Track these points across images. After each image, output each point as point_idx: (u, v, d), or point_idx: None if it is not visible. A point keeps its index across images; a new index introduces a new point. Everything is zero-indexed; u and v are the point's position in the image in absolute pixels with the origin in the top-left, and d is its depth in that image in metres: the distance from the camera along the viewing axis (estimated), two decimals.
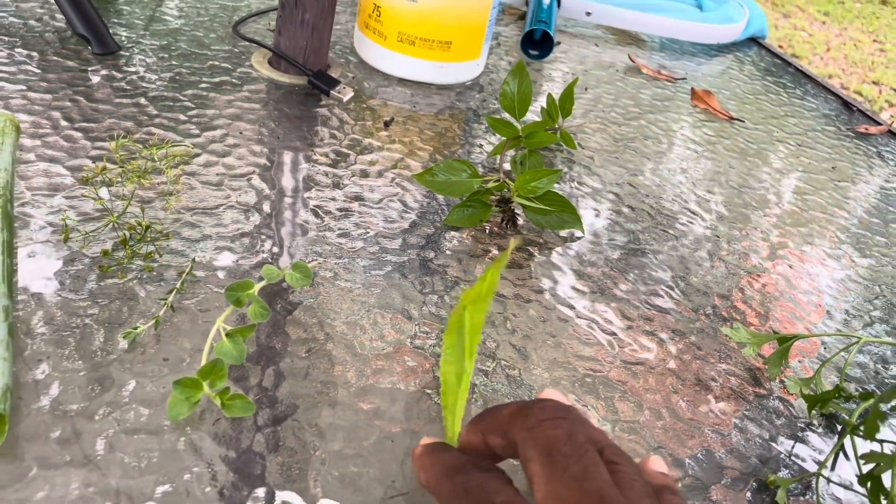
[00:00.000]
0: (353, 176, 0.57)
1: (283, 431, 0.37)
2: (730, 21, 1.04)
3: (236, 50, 0.71)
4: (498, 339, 0.45)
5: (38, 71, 0.60)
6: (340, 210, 0.53)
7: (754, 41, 1.09)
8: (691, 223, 0.63)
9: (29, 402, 0.35)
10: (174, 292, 0.42)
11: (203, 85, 0.64)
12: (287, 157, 0.58)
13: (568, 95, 0.67)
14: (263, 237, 0.49)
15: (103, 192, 0.48)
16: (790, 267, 0.61)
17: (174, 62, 0.66)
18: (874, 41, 4.26)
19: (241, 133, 0.59)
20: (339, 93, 0.67)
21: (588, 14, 0.97)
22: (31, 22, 0.67)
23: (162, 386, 0.37)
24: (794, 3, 4.80)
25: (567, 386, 0.43)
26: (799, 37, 4.18)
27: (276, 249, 0.48)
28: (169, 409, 0.35)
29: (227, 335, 0.39)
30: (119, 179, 0.49)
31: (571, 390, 0.43)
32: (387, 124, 0.65)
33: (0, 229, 0.41)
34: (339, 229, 0.51)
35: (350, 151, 0.60)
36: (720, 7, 1.08)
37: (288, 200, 0.53)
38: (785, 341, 0.47)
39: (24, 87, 0.58)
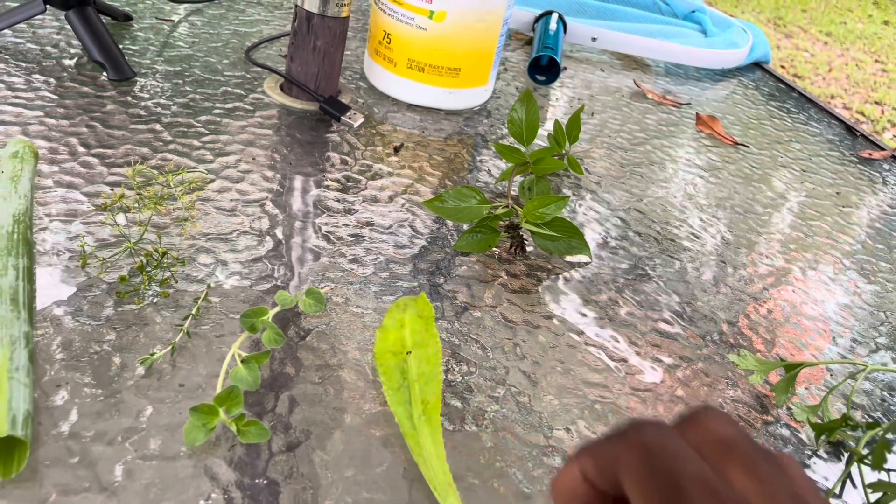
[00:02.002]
0: (363, 201, 0.58)
1: (298, 457, 0.37)
2: (734, 46, 1.05)
3: (248, 75, 0.73)
4: (508, 365, 0.46)
5: (54, 97, 0.61)
6: (352, 235, 0.54)
7: (758, 66, 1.11)
8: (697, 248, 0.63)
9: (48, 427, 0.36)
10: (190, 318, 0.43)
11: (216, 111, 0.65)
12: (299, 182, 0.59)
13: (575, 122, 0.68)
14: (277, 263, 0.49)
15: (120, 219, 0.49)
16: (795, 292, 0.61)
17: (188, 88, 0.68)
18: (876, 61, 4.29)
19: (254, 159, 0.60)
20: (349, 118, 0.68)
21: (594, 40, 0.98)
22: (48, 48, 0.68)
23: (178, 412, 0.38)
24: (796, 23, 4.83)
25: (576, 413, 0.44)
26: (801, 57, 4.20)
27: (288, 275, 0.49)
28: (186, 436, 0.36)
29: (242, 361, 0.40)
30: (136, 206, 0.50)
31: (581, 417, 0.44)
32: (396, 150, 0.66)
33: (20, 256, 0.42)
34: (351, 255, 0.52)
35: (360, 177, 0.61)
36: (724, 32, 1.09)
37: (300, 226, 0.54)
38: (792, 369, 0.48)
39: (42, 113, 0.59)
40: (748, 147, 0.84)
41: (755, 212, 0.72)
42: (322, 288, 0.48)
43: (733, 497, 0.20)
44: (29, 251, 0.43)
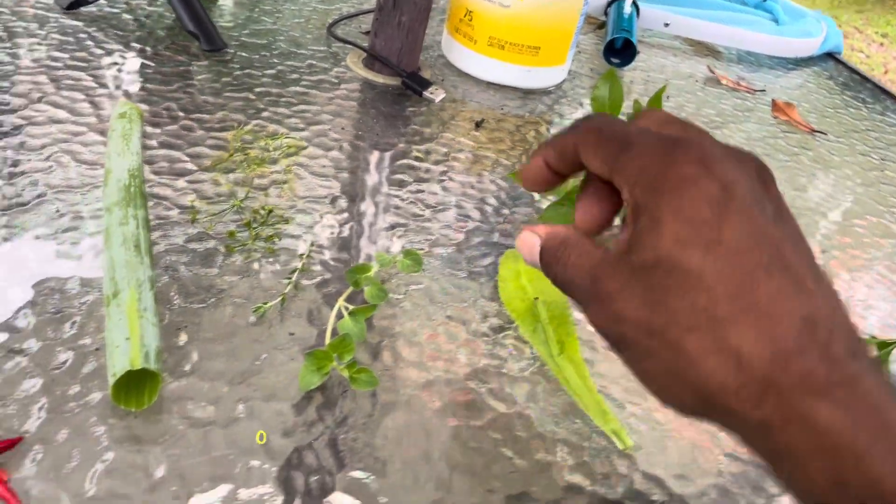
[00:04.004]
0: (448, 172, 0.59)
1: (405, 404, 0.38)
2: (808, 35, 1.03)
3: (332, 50, 0.74)
4: None
5: (152, 64, 0.63)
6: (440, 203, 0.55)
7: (830, 56, 1.09)
8: None
9: (173, 366, 0.37)
10: (297, 272, 0.44)
11: (304, 82, 0.67)
12: (388, 152, 0.60)
13: (656, 102, 0.68)
14: (370, 225, 0.51)
15: (223, 179, 0.51)
16: (877, 276, 0.61)
17: (275, 60, 0.69)
18: None
19: (342, 129, 0.61)
20: (431, 93, 0.69)
21: (666, 25, 0.98)
22: (142, 19, 0.70)
23: (290, 357, 0.39)
24: (852, 24, 4.72)
25: None
26: (857, 58, 4.11)
27: (383, 237, 0.50)
28: (300, 379, 0.37)
29: (349, 313, 0.41)
30: (240, 167, 0.52)
31: None
32: (478, 125, 0.67)
33: (137, 207, 0.43)
34: (441, 221, 0.53)
35: (445, 149, 0.62)
36: (797, 21, 1.07)
37: (391, 193, 0.55)
38: (885, 347, 0.48)
39: (142, 79, 0.61)
40: (825, 135, 0.83)
41: (834, 197, 0.71)
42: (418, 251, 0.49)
43: (669, 136, 0.26)
44: (144, 203, 0.45)
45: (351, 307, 0.41)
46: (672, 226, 0.24)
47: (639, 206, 0.25)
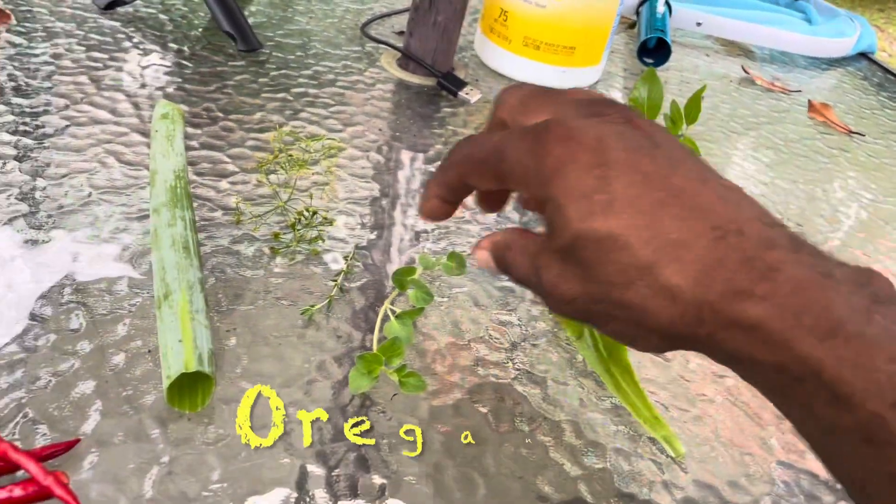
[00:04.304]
0: None
1: (454, 408, 0.38)
2: (842, 35, 1.02)
3: (366, 50, 0.74)
4: None
5: (189, 65, 0.63)
6: None
7: (864, 56, 1.08)
8: (822, 234, 0.62)
9: (225, 369, 0.37)
10: (342, 275, 0.44)
11: (340, 83, 0.67)
12: (425, 153, 0.59)
13: (695, 103, 0.67)
14: (411, 227, 0.50)
15: (266, 180, 0.51)
16: None
17: (310, 60, 0.69)
18: None
19: (379, 130, 0.61)
20: (466, 94, 0.69)
21: (698, 24, 0.97)
22: (178, 19, 0.71)
23: (339, 362, 0.39)
24: (874, 23, 4.66)
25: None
26: (879, 57, 4.06)
27: (424, 240, 0.50)
28: (351, 382, 0.37)
29: (396, 317, 0.41)
30: (282, 168, 0.52)
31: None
32: None
33: (185, 208, 0.44)
34: (482, 223, 0.53)
35: None
36: (831, 21, 1.06)
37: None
38: None
39: (180, 79, 0.61)
40: (863, 136, 0.82)
41: (876, 199, 0.70)
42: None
43: (529, 128, 0.28)
44: (190, 204, 0.45)
45: (397, 310, 0.41)
46: (570, 206, 0.26)
47: (539, 200, 0.27)
